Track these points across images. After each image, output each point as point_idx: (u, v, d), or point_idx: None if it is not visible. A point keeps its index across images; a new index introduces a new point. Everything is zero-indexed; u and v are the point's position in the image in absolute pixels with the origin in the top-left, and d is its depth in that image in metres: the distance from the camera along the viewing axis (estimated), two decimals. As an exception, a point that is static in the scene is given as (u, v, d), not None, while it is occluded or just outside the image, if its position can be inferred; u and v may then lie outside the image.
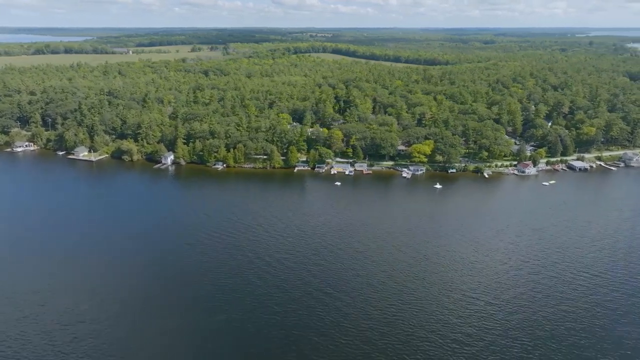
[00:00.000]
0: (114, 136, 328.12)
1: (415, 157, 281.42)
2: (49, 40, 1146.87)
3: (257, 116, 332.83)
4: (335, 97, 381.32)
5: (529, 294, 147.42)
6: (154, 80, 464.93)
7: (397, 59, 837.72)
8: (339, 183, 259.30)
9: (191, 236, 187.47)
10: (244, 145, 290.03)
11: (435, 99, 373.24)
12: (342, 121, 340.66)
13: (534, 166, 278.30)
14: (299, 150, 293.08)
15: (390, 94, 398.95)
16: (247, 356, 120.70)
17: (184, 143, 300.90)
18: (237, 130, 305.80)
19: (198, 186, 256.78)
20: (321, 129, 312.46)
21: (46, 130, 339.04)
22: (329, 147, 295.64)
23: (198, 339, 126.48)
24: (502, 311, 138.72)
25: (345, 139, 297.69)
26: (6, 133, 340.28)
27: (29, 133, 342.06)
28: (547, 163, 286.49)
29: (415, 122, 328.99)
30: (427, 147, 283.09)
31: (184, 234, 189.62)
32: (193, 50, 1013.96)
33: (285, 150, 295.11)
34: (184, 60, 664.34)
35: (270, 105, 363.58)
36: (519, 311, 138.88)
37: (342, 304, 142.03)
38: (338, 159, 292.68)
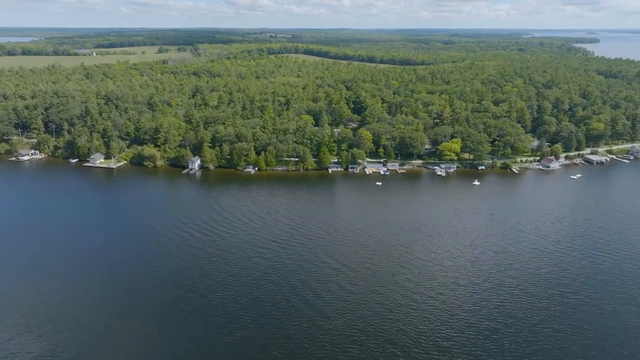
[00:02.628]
0: (127, 142, 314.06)
1: (447, 155, 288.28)
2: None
3: (278, 117, 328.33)
4: (344, 98, 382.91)
5: None
6: (147, 83, 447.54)
7: (371, 59, 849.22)
8: (379, 183, 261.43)
9: (262, 245, 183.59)
10: (275, 148, 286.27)
11: (444, 97, 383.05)
12: (358, 122, 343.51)
13: (556, 161, 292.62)
14: (329, 152, 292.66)
15: (394, 94, 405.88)
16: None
17: (209, 147, 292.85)
18: (263, 132, 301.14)
19: (239, 191, 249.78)
20: (346, 130, 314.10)
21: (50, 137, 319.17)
22: (357, 147, 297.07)
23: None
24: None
25: (374, 139, 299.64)
26: (6, 141, 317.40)
27: (32, 140, 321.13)
28: (566, 158, 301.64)
29: (432, 121, 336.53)
30: (456, 145, 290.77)
31: (256, 244, 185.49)
32: (160, 51, 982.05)
33: (314, 152, 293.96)
34: (164, 62, 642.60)
35: (285, 107, 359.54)
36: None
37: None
38: (368, 159, 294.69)
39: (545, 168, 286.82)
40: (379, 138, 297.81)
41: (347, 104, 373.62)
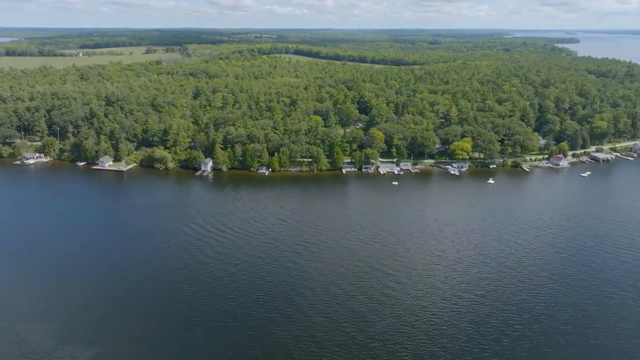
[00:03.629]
0: (134, 144, 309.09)
1: (459, 154, 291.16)
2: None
3: (288, 117, 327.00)
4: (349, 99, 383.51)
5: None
6: (146, 84, 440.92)
7: (362, 60, 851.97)
8: (396, 183, 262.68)
9: (292, 248, 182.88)
10: (288, 149, 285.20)
11: (446, 97, 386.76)
12: (366, 122, 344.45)
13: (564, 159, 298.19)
14: (342, 152, 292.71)
15: (397, 94, 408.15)
16: None
17: (221, 148, 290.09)
18: (275, 133, 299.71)
19: (257, 192, 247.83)
20: (357, 130, 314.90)
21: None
22: (369, 147, 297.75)
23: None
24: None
25: (385, 139, 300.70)
26: (9, 144, 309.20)
27: (36, 143, 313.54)
28: (573, 156, 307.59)
29: (438, 120, 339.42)
30: (467, 145, 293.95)
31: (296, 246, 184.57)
32: (147, 52, 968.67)
33: (326, 153, 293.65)
34: (157, 62, 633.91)
35: (292, 107, 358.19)
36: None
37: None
38: (380, 159, 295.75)
39: (555, 166, 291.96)
40: (390, 138, 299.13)
41: (352, 104, 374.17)
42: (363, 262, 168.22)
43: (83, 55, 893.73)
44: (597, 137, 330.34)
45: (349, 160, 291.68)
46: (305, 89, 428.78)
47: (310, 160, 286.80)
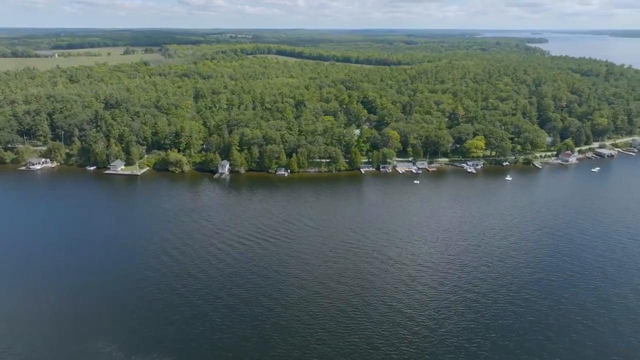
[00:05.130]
0: (144, 147, 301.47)
1: (473, 152, 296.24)
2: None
3: (298, 118, 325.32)
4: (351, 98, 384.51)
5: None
6: (142, 86, 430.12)
7: (346, 60, 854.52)
8: (417, 182, 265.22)
9: (332, 250, 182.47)
10: (307, 149, 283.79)
11: (448, 96, 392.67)
12: (375, 122, 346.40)
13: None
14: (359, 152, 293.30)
15: (398, 93, 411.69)
16: None
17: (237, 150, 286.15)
18: (290, 134, 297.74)
19: (281, 194, 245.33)
20: (371, 130, 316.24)
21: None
22: (384, 147, 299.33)
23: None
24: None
25: (400, 138, 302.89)
26: (11, 149, 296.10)
27: (40, 148, 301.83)
28: (579, 152, 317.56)
29: (446, 120, 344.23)
30: (481, 143, 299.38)
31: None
32: (126, 52, 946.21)
33: (343, 153, 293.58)
34: (145, 63, 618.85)
35: (298, 108, 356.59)
36: None
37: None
38: (396, 159, 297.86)
39: (564, 162, 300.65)
40: (405, 137, 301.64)
41: (358, 104, 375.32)
42: (452, 261, 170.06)
43: (59, 56, 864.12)
44: (598, 134, 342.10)
45: (366, 160, 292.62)
46: (306, 88, 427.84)
47: (328, 160, 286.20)
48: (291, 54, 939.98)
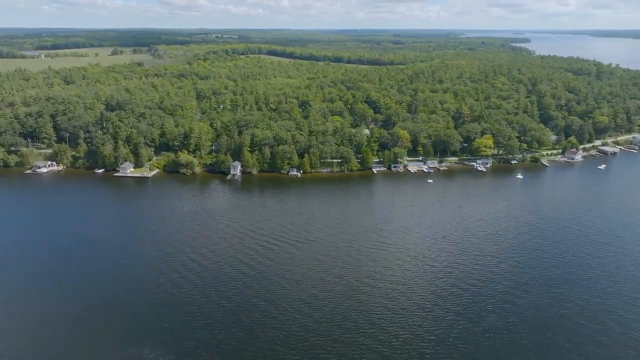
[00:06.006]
0: (152, 149, 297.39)
1: (482, 151, 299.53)
2: None
3: (306, 118, 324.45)
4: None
5: None
6: (141, 87, 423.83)
7: (338, 60, 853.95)
8: (430, 180, 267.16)
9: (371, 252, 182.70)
10: (318, 150, 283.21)
11: (449, 95, 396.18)
12: (381, 121, 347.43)
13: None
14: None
15: (400, 93, 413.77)
16: None
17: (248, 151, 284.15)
18: (301, 134, 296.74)
19: (299, 195, 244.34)
20: (380, 130, 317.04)
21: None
22: (394, 146, 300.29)
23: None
24: None
25: (410, 138, 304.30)
26: (15, 152, 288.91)
27: (44, 151, 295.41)
28: (583, 150, 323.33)
29: (451, 119, 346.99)
30: (489, 141, 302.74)
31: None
32: (114, 53, 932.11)
33: (354, 153, 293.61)
34: (139, 64, 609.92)
35: (304, 108, 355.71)
36: None
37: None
38: (407, 158, 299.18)
39: (570, 160, 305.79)
40: (415, 137, 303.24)
41: (363, 104, 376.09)
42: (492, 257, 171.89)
43: (45, 56, 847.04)
44: (599, 132, 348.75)
45: (377, 160, 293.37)
46: (307, 88, 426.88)
47: (340, 160, 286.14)
48: (282, 54, 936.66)
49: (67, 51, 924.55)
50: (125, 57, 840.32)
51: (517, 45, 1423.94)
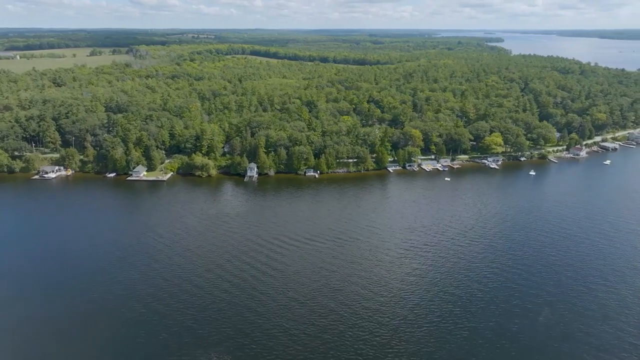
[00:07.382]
0: (163, 151, 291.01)
1: (493, 148, 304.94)
2: None
3: (316, 119, 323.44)
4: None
5: None
6: (137, 89, 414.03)
7: (324, 60, 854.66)
8: (448, 179, 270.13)
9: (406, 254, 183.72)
10: (334, 150, 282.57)
11: (448, 95, 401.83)
12: (389, 121, 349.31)
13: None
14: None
15: (401, 92, 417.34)
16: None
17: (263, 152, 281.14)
18: (314, 135, 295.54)
19: (322, 196, 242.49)
20: (392, 130, 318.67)
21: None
22: (406, 145, 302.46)
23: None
24: None
25: (423, 137, 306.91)
26: (19, 157, 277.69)
27: (50, 155, 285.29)
28: (585, 146, 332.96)
29: (455, 118, 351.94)
30: (499, 139, 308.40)
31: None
32: (93, 54, 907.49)
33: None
34: (127, 65, 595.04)
35: (311, 108, 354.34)
36: None
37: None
38: (420, 157, 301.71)
39: (575, 156, 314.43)
40: (427, 136, 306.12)
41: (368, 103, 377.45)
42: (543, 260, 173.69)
43: (20, 57, 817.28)
44: (597, 129, 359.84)
45: (392, 159, 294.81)
46: (305, 89, 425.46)
47: (355, 160, 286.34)
48: (266, 55, 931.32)
49: (44, 52, 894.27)
50: (105, 57, 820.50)
51: (492, 44, 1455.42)
